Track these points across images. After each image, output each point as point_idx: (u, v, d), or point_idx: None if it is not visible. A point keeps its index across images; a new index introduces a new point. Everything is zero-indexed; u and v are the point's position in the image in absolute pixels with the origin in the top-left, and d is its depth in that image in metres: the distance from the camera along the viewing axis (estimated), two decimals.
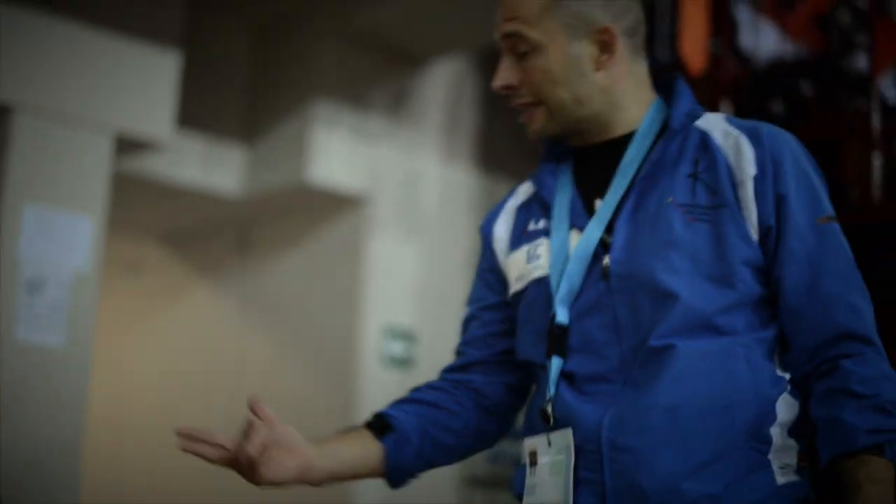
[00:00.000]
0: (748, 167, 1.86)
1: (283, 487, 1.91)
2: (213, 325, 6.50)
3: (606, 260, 1.88)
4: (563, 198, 2.00)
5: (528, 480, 1.91)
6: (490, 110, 6.21)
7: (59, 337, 4.29)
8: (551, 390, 1.89)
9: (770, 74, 5.46)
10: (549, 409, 1.89)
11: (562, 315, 1.91)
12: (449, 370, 2.15)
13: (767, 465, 1.79)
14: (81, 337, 4.37)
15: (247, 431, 1.84)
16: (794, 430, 1.83)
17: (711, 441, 1.77)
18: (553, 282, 1.93)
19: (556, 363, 1.90)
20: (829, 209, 1.89)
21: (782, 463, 1.81)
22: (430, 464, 2.10)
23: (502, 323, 2.10)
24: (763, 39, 5.79)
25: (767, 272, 1.86)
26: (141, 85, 4.73)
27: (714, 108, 3.57)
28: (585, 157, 2.02)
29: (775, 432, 1.80)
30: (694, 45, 5.12)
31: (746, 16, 5.74)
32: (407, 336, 5.81)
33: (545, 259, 1.96)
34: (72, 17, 4.52)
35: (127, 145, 4.76)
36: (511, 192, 2.17)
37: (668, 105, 2.00)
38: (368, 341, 5.70)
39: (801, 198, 1.86)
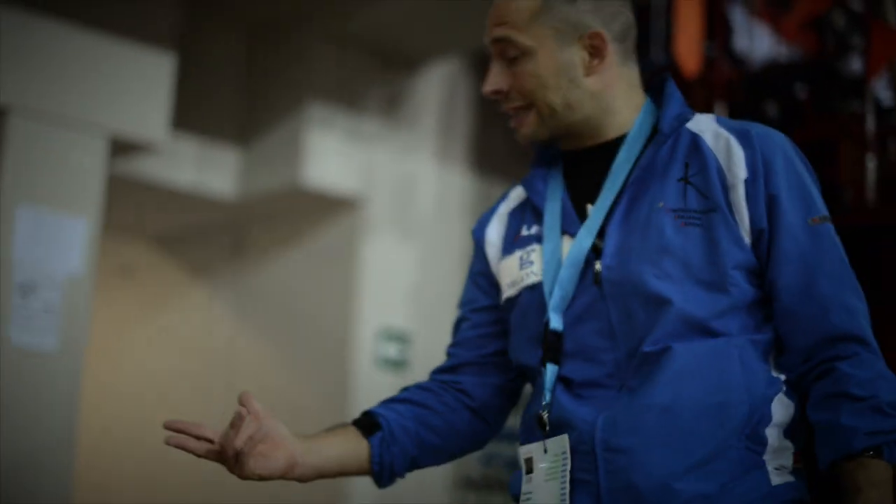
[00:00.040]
0: (739, 170, 1.86)
1: (267, 482, 1.91)
2: (208, 327, 6.49)
3: (598, 266, 1.88)
4: (555, 203, 1.99)
5: (525, 487, 1.90)
6: (485, 113, 6.21)
7: (53, 339, 4.28)
8: (547, 397, 1.89)
9: (764, 77, 5.47)
10: (545, 416, 1.89)
11: (556, 322, 1.91)
12: (438, 371, 2.16)
13: (762, 465, 1.79)
14: (75, 339, 4.36)
15: (234, 424, 1.84)
16: (789, 432, 1.83)
17: (705, 441, 1.77)
18: (546, 288, 1.93)
19: (550, 370, 1.90)
20: (821, 209, 1.88)
21: (777, 464, 1.81)
22: (417, 464, 2.10)
23: (493, 325, 2.11)
24: (757, 42, 5.81)
25: (761, 274, 1.86)
26: (136, 87, 4.73)
27: (708, 110, 3.57)
28: (576, 162, 2.02)
29: (770, 433, 1.80)
30: (689, 48, 5.13)
31: (741, 18, 5.75)
32: (401, 338, 5.81)
33: (538, 265, 1.96)
34: (67, 19, 4.52)
35: (121, 147, 4.76)
36: (503, 196, 2.17)
37: (658, 107, 1.99)
38: (363, 343, 5.70)
39: (792, 199, 1.85)
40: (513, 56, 1.94)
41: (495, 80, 1.97)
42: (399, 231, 5.94)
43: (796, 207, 1.85)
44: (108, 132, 4.60)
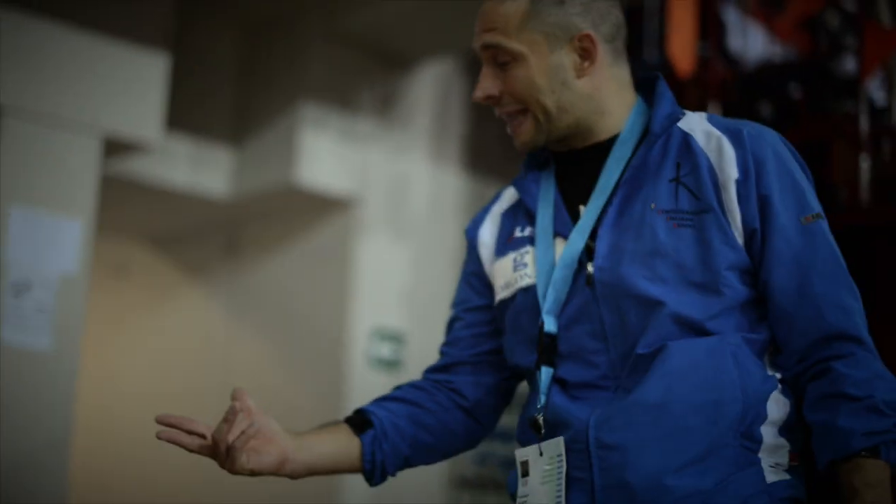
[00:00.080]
0: (730, 170, 1.85)
1: (268, 481, 1.91)
2: (202, 327, 6.49)
3: (590, 267, 1.88)
4: (547, 205, 1.99)
5: (521, 490, 1.91)
6: (478, 112, 6.21)
7: (47, 340, 4.28)
8: (542, 400, 1.90)
9: (758, 77, 5.47)
10: (540, 419, 1.89)
11: (550, 324, 1.91)
12: (431, 370, 2.16)
13: (757, 462, 1.79)
14: (69, 340, 4.35)
15: (227, 419, 1.84)
16: (785, 430, 1.83)
17: (698, 438, 1.77)
18: (540, 291, 1.93)
19: (546, 373, 1.91)
20: (815, 207, 1.87)
21: (773, 461, 1.81)
22: (409, 462, 2.10)
23: (486, 324, 2.11)
24: (751, 42, 5.81)
25: (755, 274, 1.86)
26: (129, 87, 4.72)
27: (702, 110, 3.57)
28: (568, 163, 2.02)
29: (766, 431, 1.81)
30: (682, 48, 5.13)
31: (735, 18, 5.75)
32: (395, 338, 5.81)
33: (532, 268, 1.96)
34: (60, 19, 4.51)
35: (115, 147, 4.75)
36: (496, 197, 2.17)
37: (650, 106, 1.99)
38: (357, 343, 5.70)
39: (785, 198, 1.85)
40: (503, 61, 1.94)
41: (486, 85, 1.97)
42: (393, 231, 5.94)
43: (788, 207, 1.85)
44: (102, 132, 4.59)
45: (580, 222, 1.92)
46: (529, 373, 1.97)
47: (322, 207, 5.85)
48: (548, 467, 1.85)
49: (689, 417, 1.78)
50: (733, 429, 1.78)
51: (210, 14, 5.77)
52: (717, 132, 1.90)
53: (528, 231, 2.02)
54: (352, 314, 5.71)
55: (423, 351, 4.78)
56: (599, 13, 1.95)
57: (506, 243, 2.06)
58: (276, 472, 1.92)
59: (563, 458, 1.83)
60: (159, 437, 1.84)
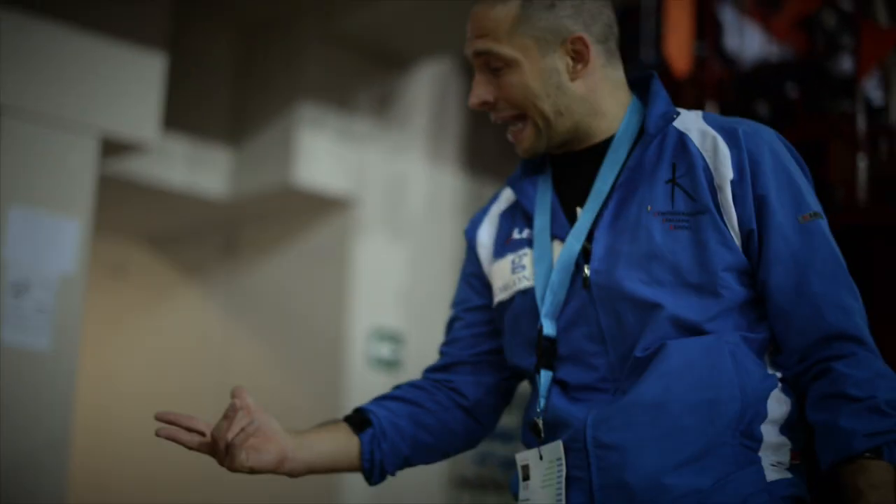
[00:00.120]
0: (726, 170, 1.84)
1: (259, 476, 1.91)
2: (200, 327, 6.49)
3: (587, 270, 1.88)
4: (544, 207, 1.99)
5: (522, 494, 1.91)
6: (475, 113, 6.18)
7: (46, 339, 4.27)
8: (542, 403, 1.90)
9: (755, 76, 5.48)
10: (540, 422, 1.89)
11: (548, 328, 1.91)
12: (431, 370, 2.16)
13: (757, 461, 1.79)
14: (67, 340, 4.35)
15: (227, 416, 1.84)
16: (786, 428, 1.82)
17: (696, 437, 1.77)
18: (538, 294, 1.93)
19: (545, 376, 1.91)
20: (813, 205, 1.86)
21: (774, 460, 1.80)
22: (409, 462, 2.10)
23: (486, 324, 2.11)
24: (748, 41, 5.81)
25: (752, 275, 1.85)
26: (127, 87, 4.72)
27: (699, 109, 3.57)
28: (565, 165, 2.01)
29: (766, 429, 1.80)
30: (679, 47, 5.13)
31: (731, 18, 5.75)
32: (394, 338, 5.81)
33: (530, 270, 1.96)
34: (59, 20, 4.51)
35: (112, 147, 4.75)
36: (495, 197, 2.17)
37: (645, 105, 1.98)
38: (355, 343, 5.70)
39: (782, 197, 1.84)
40: (496, 67, 1.93)
41: (480, 92, 1.96)
42: (391, 231, 5.94)
43: (785, 206, 1.84)
44: (100, 132, 4.59)
45: (576, 225, 1.92)
46: (530, 375, 1.98)
47: (319, 207, 5.85)
48: (548, 470, 1.86)
49: (686, 416, 1.77)
50: (732, 427, 1.78)
51: (207, 15, 5.77)
52: (712, 131, 1.89)
53: (526, 233, 2.01)
54: (350, 314, 5.71)
55: (422, 351, 4.79)
56: (590, 14, 1.94)
57: (504, 245, 2.06)
58: (275, 471, 1.92)
59: (563, 461, 1.83)
60: (158, 434, 1.84)
